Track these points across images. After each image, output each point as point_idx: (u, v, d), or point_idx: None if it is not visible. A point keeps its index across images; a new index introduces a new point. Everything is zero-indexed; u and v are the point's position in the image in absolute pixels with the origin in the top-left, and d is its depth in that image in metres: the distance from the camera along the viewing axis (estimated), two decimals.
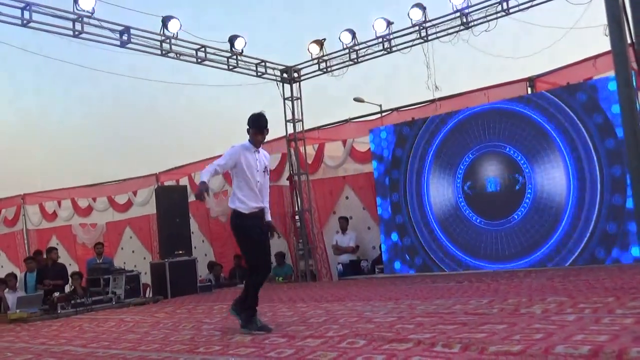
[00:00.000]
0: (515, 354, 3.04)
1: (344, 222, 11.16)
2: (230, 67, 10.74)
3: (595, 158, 8.40)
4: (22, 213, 16.15)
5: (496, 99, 9.51)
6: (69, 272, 11.19)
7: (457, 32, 9.73)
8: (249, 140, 5.17)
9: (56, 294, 9.53)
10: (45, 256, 11.30)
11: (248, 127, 5.16)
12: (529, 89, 9.47)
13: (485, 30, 9.43)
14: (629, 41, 2.53)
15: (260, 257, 5.11)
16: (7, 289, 9.84)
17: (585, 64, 8.79)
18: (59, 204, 15.64)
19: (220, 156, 5.27)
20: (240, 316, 4.98)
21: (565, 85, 8.85)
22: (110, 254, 13.57)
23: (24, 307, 8.48)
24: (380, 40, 10.43)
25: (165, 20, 9.37)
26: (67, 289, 10.80)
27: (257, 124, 5.13)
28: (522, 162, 9.07)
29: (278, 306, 6.74)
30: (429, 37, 9.99)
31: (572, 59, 9.09)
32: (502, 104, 9.34)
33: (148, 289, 11.10)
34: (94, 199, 15.13)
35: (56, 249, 11.63)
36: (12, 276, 10.39)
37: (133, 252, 14.32)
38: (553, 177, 8.79)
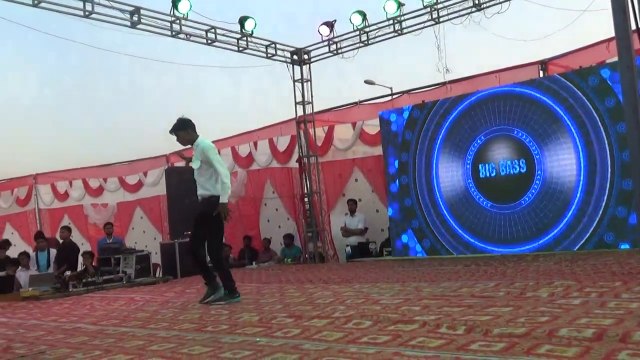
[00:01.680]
0: (519, 336, 3.06)
1: (352, 205, 11.19)
2: (240, 48, 10.71)
3: (606, 142, 8.34)
4: (34, 193, 16.33)
5: (507, 82, 9.44)
6: (81, 251, 11.33)
7: (469, 14, 9.63)
8: None
9: (67, 273, 9.67)
10: (59, 235, 11.45)
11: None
12: (541, 72, 9.40)
13: (498, 12, 9.32)
14: (633, 27, 2.51)
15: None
16: (20, 267, 10.00)
17: (598, 47, 8.69)
18: (71, 184, 15.79)
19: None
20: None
21: (577, 68, 8.76)
22: (121, 234, 13.71)
23: (36, 285, 8.61)
24: (391, 22, 10.34)
25: (175, 1, 9.35)
26: (79, 267, 10.95)
27: None
28: (532, 145, 9.02)
29: (286, 287, 6.79)
30: (441, 19, 9.90)
31: (585, 42, 9.00)
32: (513, 87, 9.26)
33: (158, 268, 11.22)
34: (105, 179, 15.25)
35: (67, 228, 11.75)
36: (25, 255, 10.54)
37: (144, 232, 14.46)
38: (563, 161, 8.74)
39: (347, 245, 11.12)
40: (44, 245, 10.96)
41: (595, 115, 8.42)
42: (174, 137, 5.93)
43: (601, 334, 2.92)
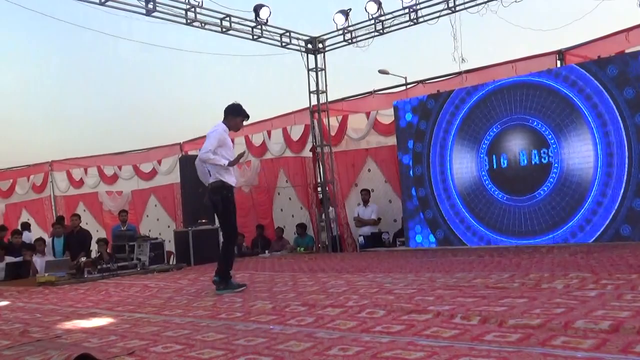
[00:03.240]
0: (535, 328, 3.04)
1: (365, 195, 11.17)
2: (255, 37, 10.68)
3: (624, 133, 8.24)
4: (50, 180, 16.46)
5: (524, 72, 9.34)
6: (96, 239, 11.44)
7: (485, 2, 9.50)
8: (225, 123, 5.95)
9: (82, 259, 9.77)
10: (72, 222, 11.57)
11: (229, 113, 5.94)
12: (559, 62, 9.26)
13: (515, 1, 9.19)
14: None
15: (236, 225, 6.04)
16: (36, 253, 10.12)
17: (617, 37, 8.56)
18: (86, 171, 15.90)
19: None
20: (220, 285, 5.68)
21: (596, 58, 8.63)
22: (135, 222, 13.80)
23: (52, 271, 8.71)
24: (406, 10, 10.24)
25: None
26: (94, 253, 11.07)
27: (244, 113, 6.00)
28: (549, 136, 8.93)
29: (299, 275, 6.81)
30: (457, 8, 9.78)
31: (604, 31, 8.86)
32: (530, 77, 9.16)
33: (172, 256, 11.30)
34: (120, 167, 15.34)
35: (77, 216, 11.86)
36: (40, 241, 10.67)
37: (158, 220, 14.55)
38: (580, 153, 8.65)
39: (360, 235, 11.11)
40: (61, 231, 11.09)
41: (613, 106, 8.31)
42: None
43: (617, 326, 2.89)
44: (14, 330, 4.31)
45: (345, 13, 10.77)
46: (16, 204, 17.09)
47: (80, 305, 5.63)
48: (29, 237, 11.98)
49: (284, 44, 11.22)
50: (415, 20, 10.31)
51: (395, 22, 10.59)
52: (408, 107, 10.58)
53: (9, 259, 9.74)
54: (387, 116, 11.21)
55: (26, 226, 12.79)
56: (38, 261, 9.84)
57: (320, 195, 11.84)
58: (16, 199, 17.15)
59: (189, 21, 9.69)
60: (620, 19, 8.54)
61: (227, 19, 10.13)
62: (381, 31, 10.77)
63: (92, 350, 3.28)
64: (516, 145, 9.30)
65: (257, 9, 10.24)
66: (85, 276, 8.38)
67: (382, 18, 10.56)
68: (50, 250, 10.86)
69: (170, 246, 11.28)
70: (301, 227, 12.03)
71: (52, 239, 11.13)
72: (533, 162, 9.12)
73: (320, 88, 11.65)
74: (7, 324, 4.69)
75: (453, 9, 9.79)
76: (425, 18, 10.21)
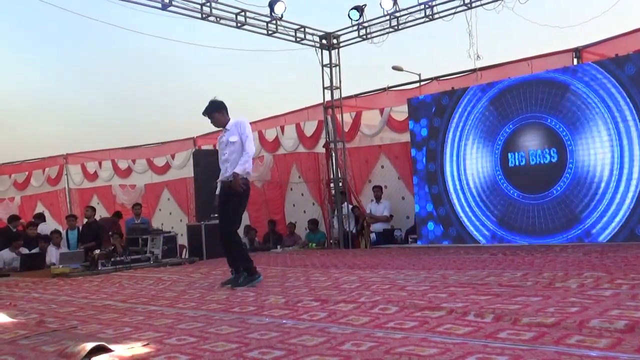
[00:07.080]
0: (549, 326, 3.02)
1: (378, 191, 11.16)
2: (270, 32, 10.68)
3: None
4: (65, 172, 16.63)
5: (540, 70, 9.26)
6: (110, 232, 11.53)
7: None
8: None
9: (97, 251, 9.84)
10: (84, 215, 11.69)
11: (224, 108, 5.87)
12: (575, 60, 9.18)
13: None
14: None
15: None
16: (50, 245, 10.22)
17: (635, 35, 8.46)
18: (100, 164, 16.04)
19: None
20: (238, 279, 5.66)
21: (613, 56, 8.54)
22: (148, 215, 13.91)
23: (66, 262, 8.80)
24: (422, 7, 10.19)
25: None
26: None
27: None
28: (564, 134, 8.86)
29: (311, 271, 6.83)
30: (473, 4, 9.71)
31: (622, 29, 8.77)
32: (545, 75, 9.09)
33: (184, 250, 11.37)
34: (134, 161, 15.44)
35: (91, 208, 11.94)
36: (56, 233, 10.77)
37: (170, 213, 14.65)
38: (595, 151, 8.58)
39: (372, 232, 11.10)
40: (74, 223, 11.19)
41: (630, 104, 8.23)
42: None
43: (633, 326, 2.87)
44: (31, 320, 4.36)
45: (360, 9, 10.71)
46: (31, 196, 17.29)
47: (95, 297, 5.68)
48: (45, 228, 12.09)
49: (298, 39, 11.21)
50: (430, 17, 10.26)
51: (411, 18, 10.53)
52: (422, 104, 10.52)
53: (23, 250, 9.85)
54: (400, 112, 11.18)
55: (40, 217, 12.92)
56: (53, 252, 9.95)
57: (333, 191, 11.84)
58: (31, 191, 17.34)
59: (204, 16, 9.72)
60: (638, 16, 8.44)
61: (242, 13, 10.15)
62: (396, 27, 10.72)
63: (107, 341, 3.31)
64: (531, 143, 9.23)
65: (272, 4, 10.24)
66: (99, 268, 8.46)
67: (398, 14, 10.52)
68: (65, 242, 10.97)
69: (182, 240, 11.35)
70: (313, 223, 12.05)
71: (66, 231, 11.25)
72: (548, 161, 9.05)
73: (334, 84, 11.63)
74: (24, 314, 4.74)
75: (469, 5, 9.72)
76: (441, 14, 10.15)
